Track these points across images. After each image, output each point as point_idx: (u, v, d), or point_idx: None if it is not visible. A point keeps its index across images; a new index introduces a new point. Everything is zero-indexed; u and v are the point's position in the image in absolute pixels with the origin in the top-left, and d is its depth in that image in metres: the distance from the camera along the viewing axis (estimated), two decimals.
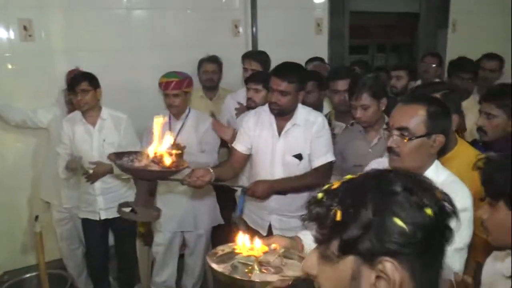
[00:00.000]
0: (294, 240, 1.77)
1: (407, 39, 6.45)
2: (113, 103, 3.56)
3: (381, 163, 1.97)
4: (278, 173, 2.90)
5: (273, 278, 1.47)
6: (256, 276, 1.50)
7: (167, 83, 3.27)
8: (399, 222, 0.84)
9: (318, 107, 3.42)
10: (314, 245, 1.68)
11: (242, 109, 3.63)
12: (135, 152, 2.35)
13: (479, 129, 2.42)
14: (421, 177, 0.92)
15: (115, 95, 3.77)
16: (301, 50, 4.71)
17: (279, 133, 2.89)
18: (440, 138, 1.78)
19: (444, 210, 0.88)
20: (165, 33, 4.28)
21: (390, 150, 1.83)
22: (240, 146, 3.00)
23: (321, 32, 5.06)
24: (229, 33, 4.58)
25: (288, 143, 2.88)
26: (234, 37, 4.60)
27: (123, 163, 2.22)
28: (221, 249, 1.69)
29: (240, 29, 4.62)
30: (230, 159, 3.08)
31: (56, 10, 3.83)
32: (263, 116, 2.95)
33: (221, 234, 3.62)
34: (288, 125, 2.86)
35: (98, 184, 3.35)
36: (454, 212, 0.90)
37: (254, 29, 4.57)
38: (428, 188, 0.90)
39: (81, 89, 3.20)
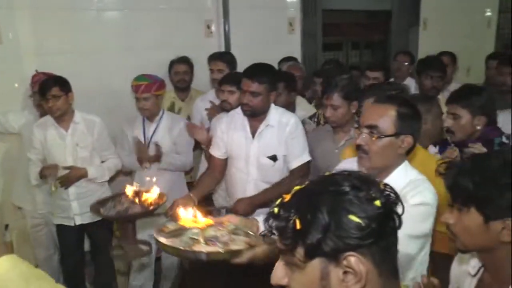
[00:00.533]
0: (250, 221, 1.83)
1: (380, 36, 6.52)
2: (86, 106, 3.51)
3: (353, 162, 1.99)
4: (253, 175, 2.91)
5: (215, 249, 1.54)
6: (200, 247, 1.56)
7: (137, 87, 3.26)
8: (354, 218, 0.91)
9: (289, 108, 3.42)
10: None
11: (214, 110, 3.61)
12: (115, 196, 2.36)
13: (448, 130, 2.47)
14: (363, 173, 1.00)
15: (87, 98, 3.71)
16: (274, 50, 4.72)
17: (253, 135, 2.89)
18: (408, 139, 1.81)
19: (389, 198, 0.96)
20: (137, 34, 4.24)
21: (359, 147, 1.86)
22: (217, 152, 3.00)
23: (293, 31, 5.07)
24: (202, 34, 4.56)
25: (262, 145, 2.88)
26: (207, 38, 4.58)
27: (107, 213, 2.25)
28: (169, 226, 1.75)
29: (213, 29, 4.60)
30: (209, 167, 3.06)
31: (24, 11, 3.74)
32: (236, 119, 2.94)
33: None
34: (262, 126, 2.86)
35: (72, 189, 3.29)
36: (397, 198, 0.98)
37: (226, 29, 4.56)
38: (373, 182, 0.97)
39: (52, 94, 3.12)
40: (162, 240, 1.63)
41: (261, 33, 4.80)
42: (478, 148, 2.29)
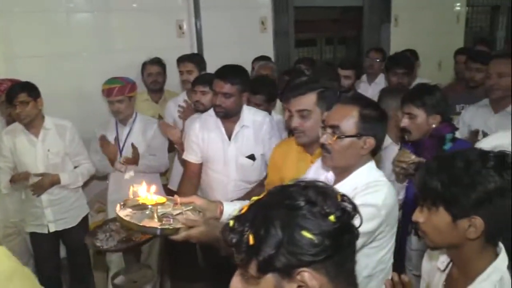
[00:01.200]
0: (214, 204, 1.88)
1: (353, 32, 6.58)
2: (57, 111, 3.46)
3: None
4: (232, 176, 2.92)
5: (156, 224, 1.67)
6: (149, 223, 1.68)
7: (110, 90, 3.22)
8: (307, 234, 0.91)
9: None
10: (235, 213, 1.80)
11: (188, 110, 3.59)
12: (107, 222, 2.30)
13: (404, 129, 2.52)
14: (320, 184, 1.00)
15: (58, 102, 3.68)
16: (246, 49, 4.75)
17: (229, 137, 2.89)
18: (371, 140, 1.83)
19: (346, 211, 0.97)
20: (108, 36, 4.21)
21: (322, 146, 1.88)
22: (192, 157, 3.00)
23: (266, 30, 5.09)
24: (174, 34, 4.54)
25: (240, 145, 2.89)
26: (179, 38, 4.57)
27: (106, 246, 2.18)
28: (131, 200, 1.86)
29: (185, 30, 4.58)
30: (186, 174, 3.04)
31: None
32: (209, 121, 2.94)
33: (177, 244, 3.60)
34: (237, 127, 2.87)
35: (45, 197, 3.23)
36: (355, 209, 0.98)
37: (198, 29, 4.55)
38: (329, 194, 0.97)
39: (19, 101, 3.04)
40: (121, 214, 1.75)
41: (233, 32, 4.81)
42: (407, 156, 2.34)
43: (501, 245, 1.37)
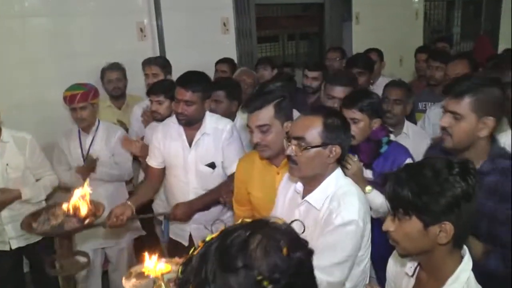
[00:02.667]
0: None
1: (315, 28, 6.61)
2: (16, 121, 3.35)
3: None
4: (192, 184, 2.90)
5: None
6: None
7: (72, 97, 3.14)
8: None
9: (229, 117, 3.41)
10: None
11: (148, 117, 3.54)
12: (48, 208, 2.29)
13: None
14: (272, 233, 0.96)
15: (16, 112, 3.56)
16: (209, 51, 4.74)
17: (190, 144, 2.87)
18: (336, 149, 1.85)
19: (296, 265, 0.94)
20: (67, 41, 4.06)
21: (289, 158, 1.89)
22: (153, 162, 2.98)
23: (228, 31, 5.06)
24: (135, 37, 4.44)
25: (200, 153, 2.87)
26: (140, 41, 4.47)
27: (40, 228, 2.18)
28: (135, 270, 1.94)
29: (146, 32, 4.49)
30: (147, 177, 3.03)
31: None
32: (171, 128, 2.92)
33: (143, 245, 3.55)
34: (198, 135, 2.85)
35: (5, 213, 3.06)
36: (309, 253, 0.98)
37: (160, 31, 4.47)
38: (274, 248, 0.93)
39: None
40: (127, 286, 1.82)
41: (195, 34, 4.75)
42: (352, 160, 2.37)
43: (465, 247, 1.42)
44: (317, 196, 1.88)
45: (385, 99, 3.09)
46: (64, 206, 2.23)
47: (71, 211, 2.20)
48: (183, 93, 2.73)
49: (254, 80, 4.10)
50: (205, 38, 4.82)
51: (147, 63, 3.90)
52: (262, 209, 2.35)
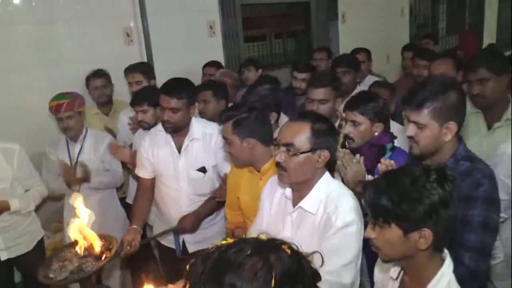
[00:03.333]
0: None
1: (301, 26, 6.64)
2: (4, 131, 3.33)
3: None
4: (184, 190, 2.90)
5: None
6: None
7: (58, 106, 3.13)
8: None
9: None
10: None
11: (136, 125, 3.52)
12: (57, 254, 2.25)
13: (347, 136, 2.53)
14: (272, 258, 0.98)
15: (5, 121, 3.52)
16: (196, 54, 4.73)
17: (179, 150, 2.87)
18: (325, 153, 1.88)
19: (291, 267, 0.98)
20: (52, 47, 4.02)
21: (278, 165, 1.91)
22: (144, 173, 2.97)
23: (214, 34, 5.05)
24: (121, 43, 4.42)
25: (190, 159, 2.88)
26: (128, 46, 4.45)
27: (59, 277, 2.12)
28: None
29: (132, 37, 4.47)
30: (140, 189, 3.00)
31: None
32: (159, 137, 2.92)
33: (137, 257, 3.53)
34: (186, 141, 2.86)
35: None
36: (307, 263, 1.02)
37: (146, 36, 4.45)
38: (264, 275, 0.95)
39: None
40: None
41: (182, 38, 4.74)
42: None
43: (446, 250, 1.46)
44: (310, 201, 1.90)
45: None
46: (76, 249, 2.19)
47: (83, 252, 2.18)
48: (168, 101, 2.73)
49: (234, 81, 4.13)
50: (192, 41, 4.81)
51: (128, 71, 3.86)
52: (250, 214, 2.38)
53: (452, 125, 1.86)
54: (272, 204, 2.08)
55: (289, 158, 1.86)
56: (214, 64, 4.49)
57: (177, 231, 2.90)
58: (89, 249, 2.19)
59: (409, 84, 4.23)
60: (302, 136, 1.86)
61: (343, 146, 2.73)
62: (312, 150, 1.86)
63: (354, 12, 6.41)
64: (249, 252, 0.97)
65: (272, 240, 1.03)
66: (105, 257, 2.19)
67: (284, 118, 3.08)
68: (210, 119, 3.25)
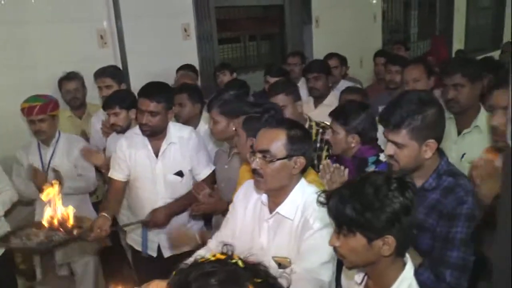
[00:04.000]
0: None
1: (275, 29, 6.68)
2: None
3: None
4: (161, 194, 2.90)
5: None
6: None
7: (30, 108, 3.08)
8: None
9: (193, 121, 3.43)
10: None
11: (108, 128, 3.48)
12: (23, 228, 2.22)
13: (328, 142, 2.64)
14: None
15: None
16: (171, 57, 4.71)
17: (156, 154, 2.87)
18: (301, 160, 1.91)
19: None
20: (23, 50, 3.92)
21: (254, 171, 1.93)
22: (117, 174, 2.94)
23: (189, 37, 5.04)
24: (95, 45, 4.36)
25: (167, 163, 2.88)
26: (102, 49, 4.39)
27: (22, 244, 2.08)
28: None
29: (107, 40, 4.41)
30: (111, 191, 2.97)
31: None
32: (136, 139, 2.91)
33: (109, 256, 3.51)
34: (164, 144, 2.86)
35: None
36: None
37: (120, 39, 4.40)
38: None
39: None
40: None
41: (156, 41, 4.70)
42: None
43: (407, 255, 1.51)
44: (288, 207, 1.92)
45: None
46: (45, 220, 2.17)
47: (55, 225, 2.15)
48: (147, 104, 2.73)
49: (194, 82, 4.16)
50: (166, 44, 4.79)
51: (97, 75, 3.81)
52: None
53: (432, 143, 1.84)
54: (247, 210, 2.09)
55: (265, 164, 1.88)
56: (187, 67, 4.48)
57: (147, 223, 2.87)
58: (62, 222, 2.16)
59: (381, 89, 4.33)
60: (278, 143, 1.88)
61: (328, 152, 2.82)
62: (288, 156, 1.88)
63: (328, 16, 6.48)
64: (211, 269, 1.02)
65: (241, 274, 1.05)
66: (78, 233, 2.20)
67: None
68: (185, 122, 3.26)
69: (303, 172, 1.99)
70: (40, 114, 3.09)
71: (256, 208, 2.06)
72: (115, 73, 3.85)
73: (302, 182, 1.98)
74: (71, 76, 3.89)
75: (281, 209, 1.93)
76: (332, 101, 3.77)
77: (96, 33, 4.36)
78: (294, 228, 1.89)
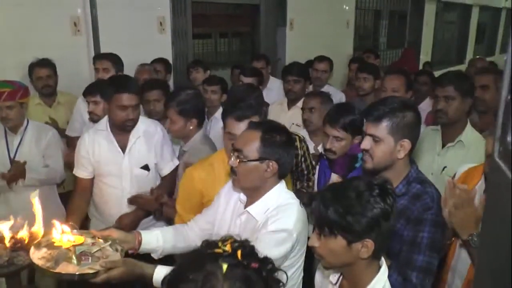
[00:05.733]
0: (132, 235, 1.95)
1: (249, 28, 6.71)
2: None
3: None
4: (127, 188, 2.86)
5: (74, 269, 1.68)
6: (66, 267, 1.68)
7: None
8: None
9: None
10: (152, 242, 1.97)
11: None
12: None
13: (329, 150, 2.61)
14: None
15: None
16: (145, 50, 4.65)
17: (122, 149, 2.83)
18: (273, 165, 1.88)
19: None
20: None
21: (231, 169, 1.94)
22: (82, 172, 2.88)
23: (164, 31, 4.99)
24: (68, 32, 4.25)
25: (134, 157, 2.85)
26: (74, 36, 4.29)
27: None
28: (46, 240, 1.85)
29: (80, 28, 4.32)
30: (78, 189, 2.92)
31: None
32: (99, 135, 2.86)
33: None
34: (132, 139, 2.83)
35: None
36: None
37: (94, 28, 4.32)
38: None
39: None
40: (35, 256, 1.73)
41: (131, 32, 4.64)
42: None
43: (382, 258, 1.55)
44: (258, 208, 1.92)
45: (302, 109, 3.29)
46: (6, 242, 2.04)
47: (18, 245, 2.04)
48: (132, 98, 2.70)
49: (151, 76, 4.06)
50: (141, 36, 4.73)
51: (99, 57, 3.79)
52: None
53: (406, 143, 1.93)
54: (228, 205, 2.10)
55: (239, 164, 1.89)
56: (160, 61, 4.45)
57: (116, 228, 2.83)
58: (20, 241, 2.07)
59: (354, 95, 4.40)
60: (252, 144, 1.87)
61: (322, 155, 2.81)
62: (260, 159, 1.87)
63: (302, 19, 6.54)
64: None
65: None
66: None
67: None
68: (159, 119, 3.22)
69: (281, 177, 1.97)
70: (8, 100, 2.97)
71: (236, 204, 2.07)
72: (116, 61, 3.80)
73: (281, 187, 1.97)
74: (44, 63, 3.79)
75: (251, 209, 1.94)
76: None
77: (69, 20, 4.26)
78: (256, 227, 1.90)
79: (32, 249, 1.76)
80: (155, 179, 2.92)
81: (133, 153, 2.84)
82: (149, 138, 2.87)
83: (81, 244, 1.80)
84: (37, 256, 1.73)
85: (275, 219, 1.84)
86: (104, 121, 2.88)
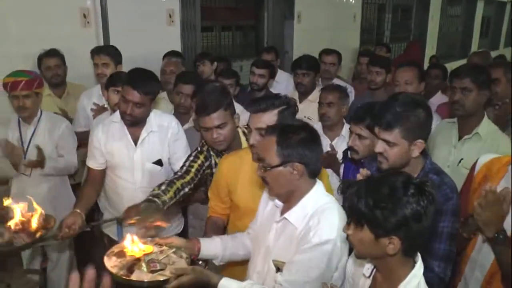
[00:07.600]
0: (192, 242, 2.02)
1: (251, 21, 6.69)
2: None
3: None
4: (140, 183, 2.84)
5: (145, 277, 1.77)
6: (138, 274, 1.78)
7: (15, 83, 2.96)
8: None
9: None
10: (211, 249, 2.03)
11: (99, 110, 3.47)
12: None
13: (351, 148, 2.58)
14: None
15: None
16: (154, 42, 4.65)
17: (135, 142, 2.81)
18: (298, 166, 1.80)
19: None
20: (2, 25, 3.78)
21: (262, 179, 1.89)
22: (94, 163, 2.86)
23: (173, 23, 4.98)
24: (78, 23, 4.24)
25: (146, 151, 2.82)
26: (84, 28, 4.28)
27: None
28: (116, 248, 1.95)
29: (90, 19, 4.30)
30: (88, 179, 2.89)
31: None
32: (113, 127, 2.83)
33: (85, 242, 3.42)
34: (144, 133, 2.80)
35: None
36: None
37: (104, 19, 4.30)
38: None
39: None
40: (108, 264, 1.83)
41: (141, 24, 4.63)
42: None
43: (418, 253, 1.53)
44: (296, 214, 1.85)
45: (319, 104, 3.24)
46: (11, 223, 2.10)
47: (19, 226, 2.08)
48: (134, 95, 2.63)
49: (178, 68, 4.00)
50: (151, 28, 4.72)
51: (96, 52, 3.71)
52: (246, 212, 2.30)
53: (420, 143, 1.92)
54: (265, 210, 2.06)
55: (265, 172, 1.84)
56: (174, 54, 4.42)
57: (121, 221, 2.77)
58: (25, 224, 2.11)
59: (363, 88, 4.40)
60: (270, 150, 1.81)
61: (346, 157, 2.78)
62: (282, 164, 1.80)
63: (309, 13, 6.52)
64: None
65: None
66: (40, 235, 2.14)
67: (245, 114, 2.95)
68: (187, 113, 3.20)
69: (313, 176, 1.89)
70: (25, 89, 2.97)
71: (272, 209, 2.02)
72: (113, 53, 3.73)
73: (318, 189, 1.89)
74: (52, 53, 3.79)
75: (289, 215, 1.86)
76: (316, 97, 3.79)
77: (78, 11, 4.25)
78: (296, 235, 1.83)
79: (105, 258, 1.87)
80: (168, 175, 2.84)
81: (145, 147, 2.81)
82: (163, 132, 2.83)
83: (150, 253, 1.90)
84: (110, 264, 1.83)
85: (317, 230, 1.76)
86: (118, 113, 2.84)
